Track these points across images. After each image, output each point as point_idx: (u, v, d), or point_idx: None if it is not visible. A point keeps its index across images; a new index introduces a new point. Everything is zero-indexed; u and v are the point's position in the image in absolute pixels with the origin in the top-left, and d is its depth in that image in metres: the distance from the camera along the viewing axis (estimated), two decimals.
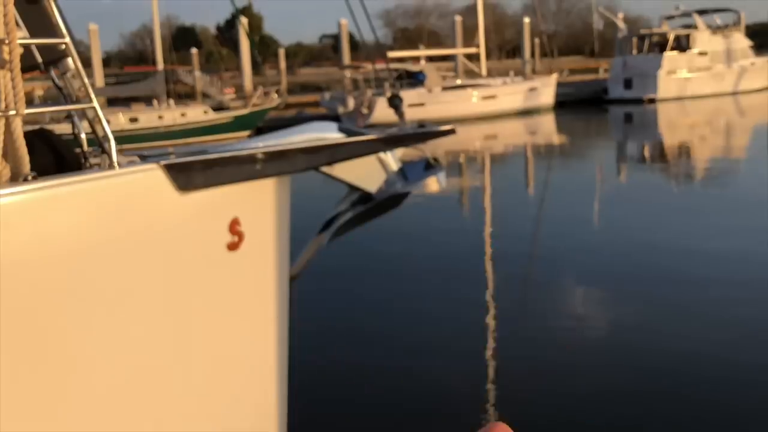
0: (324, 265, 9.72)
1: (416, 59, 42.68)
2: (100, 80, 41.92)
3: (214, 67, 54.28)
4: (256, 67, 45.19)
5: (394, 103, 4.58)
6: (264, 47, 77.77)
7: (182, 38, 73.13)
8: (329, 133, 3.67)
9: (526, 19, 49.59)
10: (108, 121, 2.83)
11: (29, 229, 2.38)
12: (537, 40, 51.21)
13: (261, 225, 3.13)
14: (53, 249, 2.44)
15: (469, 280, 8.79)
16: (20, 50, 2.35)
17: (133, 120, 31.71)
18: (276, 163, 3.06)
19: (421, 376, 5.93)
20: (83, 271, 2.53)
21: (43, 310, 2.43)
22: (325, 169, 3.56)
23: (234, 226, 2.98)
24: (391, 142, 3.78)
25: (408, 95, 34.72)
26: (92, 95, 2.68)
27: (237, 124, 32.42)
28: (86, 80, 2.70)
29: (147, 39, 55.51)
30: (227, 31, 59.33)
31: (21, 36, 2.47)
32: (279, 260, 3.26)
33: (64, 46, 2.67)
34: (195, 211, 2.85)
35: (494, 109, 35.99)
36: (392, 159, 4.16)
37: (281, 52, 60.77)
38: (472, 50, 41.90)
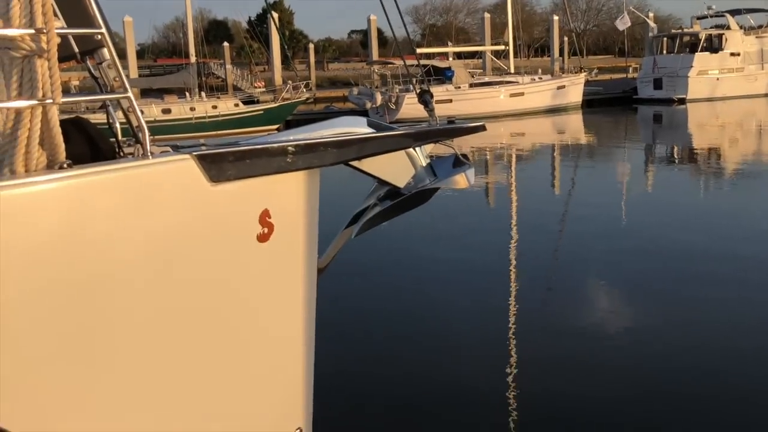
0: (350, 258, 9.99)
1: (445, 55, 42.70)
2: (134, 71, 42.48)
3: (245, 61, 54.62)
4: (285, 62, 45.45)
5: (425, 98, 4.52)
6: (294, 42, 78.06)
7: (214, 32, 73.64)
8: (359, 128, 3.66)
9: (555, 17, 49.32)
10: (142, 112, 2.87)
11: (64, 216, 2.41)
12: (566, 39, 50.92)
13: (290, 217, 3.15)
14: (87, 237, 2.48)
15: (494, 278, 8.82)
16: (57, 40, 2.42)
17: (166, 111, 32.13)
18: (306, 156, 3.08)
19: (447, 377, 6.01)
20: (115, 259, 2.57)
21: (74, 297, 2.48)
22: (353, 163, 3.56)
23: (264, 218, 2.99)
24: (420, 137, 3.79)
25: (435, 91, 34.75)
26: (127, 85, 2.72)
27: (266, 117, 32.70)
28: (121, 70, 2.75)
29: (180, 32, 55.88)
30: (258, 26, 59.53)
31: (58, 26, 2.51)
32: (307, 252, 3.29)
33: (100, 37, 2.72)
34: (226, 202, 2.86)
35: (522, 107, 35.92)
36: (421, 154, 4.02)
37: (311, 46, 60.97)
38: (500, 47, 41.82)
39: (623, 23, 44.75)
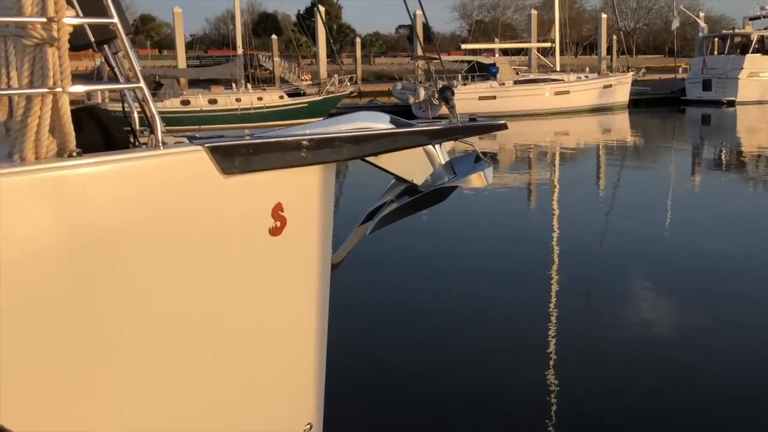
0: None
1: (491, 52, 42.44)
2: (182, 62, 43.11)
3: (293, 54, 54.99)
4: (331, 56, 45.63)
5: (445, 95, 4.43)
6: (341, 36, 78.32)
7: (264, 24, 74.27)
8: (378, 123, 3.61)
9: (603, 15, 48.65)
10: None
11: (72, 204, 2.42)
12: (615, 37, 50.21)
13: (304, 211, 3.13)
14: (94, 226, 2.49)
15: (530, 280, 8.72)
16: (69, 28, 2.45)
17: (212, 101, 32.56)
18: (321, 150, 3.06)
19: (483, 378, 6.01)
20: (124, 249, 2.57)
21: (79, 287, 2.49)
22: (370, 159, 3.53)
23: (277, 212, 2.98)
24: (439, 135, 3.72)
25: (479, 88, 34.68)
26: (140, 75, 2.76)
27: (311, 109, 32.90)
28: (134, 60, 2.78)
29: (230, 24, 56.53)
30: (307, 19, 59.90)
31: (71, 15, 2.54)
32: (321, 247, 3.26)
33: (113, 26, 2.71)
34: (238, 195, 2.86)
35: (567, 105, 35.55)
36: (441, 152, 3.92)
37: (358, 41, 61.18)
38: (546, 44, 41.43)
39: (676, 22, 44.03)
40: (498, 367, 6.14)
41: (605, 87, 37.06)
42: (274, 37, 54.06)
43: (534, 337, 6.73)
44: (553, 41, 40.52)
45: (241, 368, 3.09)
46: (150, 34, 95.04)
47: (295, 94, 36.03)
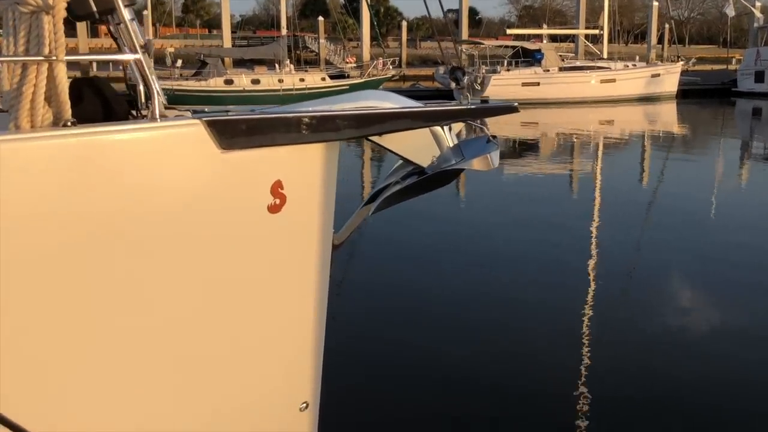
0: (426, 231, 10.12)
1: (538, 38, 41.92)
2: (227, 41, 43.43)
3: (339, 36, 55.10)
4: (376, 39, 45.51)
5: (455, 75, 4.33)
6: (388, 19, 78.05)
7: (312, 6, 74.43)
8: (385, 102, 3.49)
9: (655, 3, 47.65)
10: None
11: (65, 174, 2.40)
12: (667, 26, 49.16)
13: (305, 190, 3.07)
14: (88, 196, 2.47)
15: (567, 270, 8.59)
16: None
17: (255, 82, 32.82)
18: (322, 128, 3.00)
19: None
20: (117, 221, 2.55)
21: (71, 257, 2.47)
22: (375, 138, 3.47)
23: (276, 189, 2.93)
24: (445, 116, 3.58)
25: (523, 74, 34.32)
26: (138, 47, 2.73)
27: (351, 92, 32.88)
28: (133, 31, 2.75)
29: (279, 5, 56.76)
30: (354, 2, 59.87)
31: None
32: (322, 227, 3.21)
33: None
34: (236, 170, 2.82)
35: (613, 94, 34.98)
36: (449, 134, 3.79)
37: (404, 24, 60.94)
38: (593, 31, 40.75)
39: (730, 10, 42.93)
40: (536, 349, 6.17)
41: (653, 76, 36.37)
42: (320, 19, 54.15)
43: (570, 320, 6.74)
44: (600, 28, 39.82)
45: (237, 346, 3.07)
46: (200, 13, 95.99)
47: (339, 76, 36.08)
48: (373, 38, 45.27)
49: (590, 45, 40.65)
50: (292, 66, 35.19)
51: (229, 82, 32.64)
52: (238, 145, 2.78)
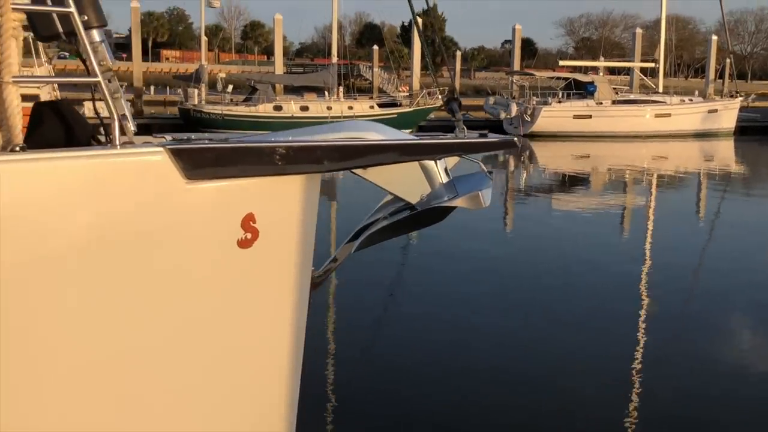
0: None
1: (594, 70, 41.38)
2: (279, 68, 43.85)
3: (394, 65, 55.52)
4: (431, 68, 45.51)
5: (451, 107, 4.06)
6: (443, 49, 78.26)
7: (368, 35, 75.25)
8: (369, 134, 3.35)
9: (714, 37, 46.65)
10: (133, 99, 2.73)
11: (6, 201, 2.27)
12: (728, 60, 48.08)
13: (280, 224, 2.92)
14: (29, 225, 2.34)
15: (622, 304, 8.35)
16: (16, 16, 2.36)
17: (304, 108, 33.07)
18: (299, 159, 2.84)
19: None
20: (65, 254, 2.41)
21: (11, 282, 2.34)
22: (359, 172, 3.30)
23: (248, 222, 2.79)
24: (435, 149, 3.37)
25: (575, 106, 33.80)
26: (97, 70, 2.57)
27: (399, 120, 32.83)
28: (91, 53, 2.58)
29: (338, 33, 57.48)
30: (410, 31, 60.33)
31: (25, 1, 2.45)
32: (299, 263, 3.04)
33: (71, 17, 2.53)
34: (202, 202, 2.68)
35: (667, 129, 34.18)
36: (441, 168, 3.59)
37: (458, 54, 61.14)
38: (648, 64, 39.99)
39: None
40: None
41: (710, 112, 35.46)
42: (375, 47, 54.55)
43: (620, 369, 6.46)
44: (656, 61, 39.05)
45: (203, 389, 2.91)
46: (258, 40, 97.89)
47: (391, 104, 36.12)
48: (424, 68, 45.27)
49: (645, 78, 39.86)
50: (341, 93, 35.36)
51: (278, 108, 32.91)
52: (205, 176, 2.62)
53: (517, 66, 44.00)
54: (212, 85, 37.71)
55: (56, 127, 2.80)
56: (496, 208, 15.69)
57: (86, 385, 2.56)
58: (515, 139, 3.82)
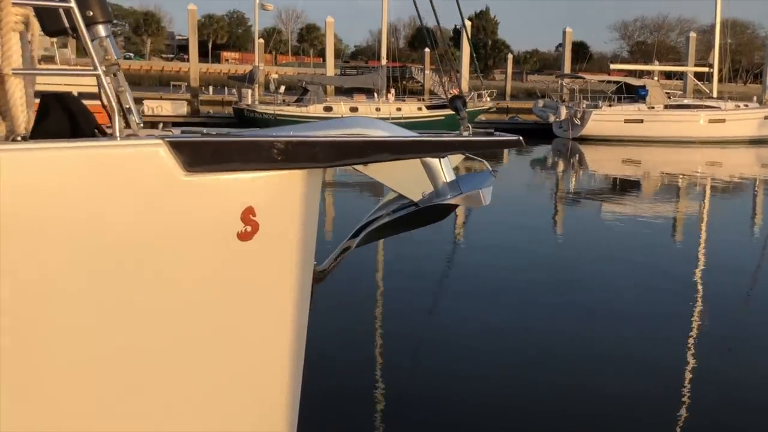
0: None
1: (648, 74, 40.74)
2: (330, 70, 44.32)
3: (446, 68, 55.44)
4: (481, 71, 45.40)
5: (455, 105, 4.01)
6: (495, 52, 77.94)
7: (421, 38, 75.24)
8: (372, 130, 3.34)
9: None
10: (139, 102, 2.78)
11: (11, 190, 2.33)
12: None
13: (281, 218, 2.92)
14: (30, 216, 2.38)
15: (671, 314, 8.15)
16: (18, 10, 2.45)
17: (353, 109, 33.35)
18: (298, 154, 2.86)
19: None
20: (66, 243, 2.45)
21: (7, 279, 2.38)
22: (360, 168, 3.33)
23: (248, 216, 2.79)
24: (437, 147, 3.34)
25: (626, 110, 33.36)
26: (97, 63, 2.63)
27: (447, 122, 32.90)
28: (91, 47, 2.65)
29: (392, 36, 57.55)
30: (460, 34, 60.18)
31: None
32: (300, 257, 3.03)
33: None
34: (202, 195, 2.71)
35: (722, 135, 33.43)
36: (445, 166, 3.51)
37: (509, 57, 60.84)
38: (702, 69, 39.19)
39: None
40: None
41: (766, 118, 34.61)
42: (426, 50, 54.65)
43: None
44: (711, 66, 38.30)
45: (202, 384, 2.93)
46: (313, 42, 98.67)
47: (441, 106, 36.18)
48: (473, 71, 45.22)
49: (699, 83, 39.11)
50: (391, 95, 35.59)
51: (328, 109, 33.28)
52: (204, 169, 2.68)
53: (567, 69, 43.64)
54: (266, 86, 38.31)
55: (62, 118, 2.86)
56: (545, 210, 15.61)
57: (84, 377, 2.60)
58: (520, 138, 3.76)
